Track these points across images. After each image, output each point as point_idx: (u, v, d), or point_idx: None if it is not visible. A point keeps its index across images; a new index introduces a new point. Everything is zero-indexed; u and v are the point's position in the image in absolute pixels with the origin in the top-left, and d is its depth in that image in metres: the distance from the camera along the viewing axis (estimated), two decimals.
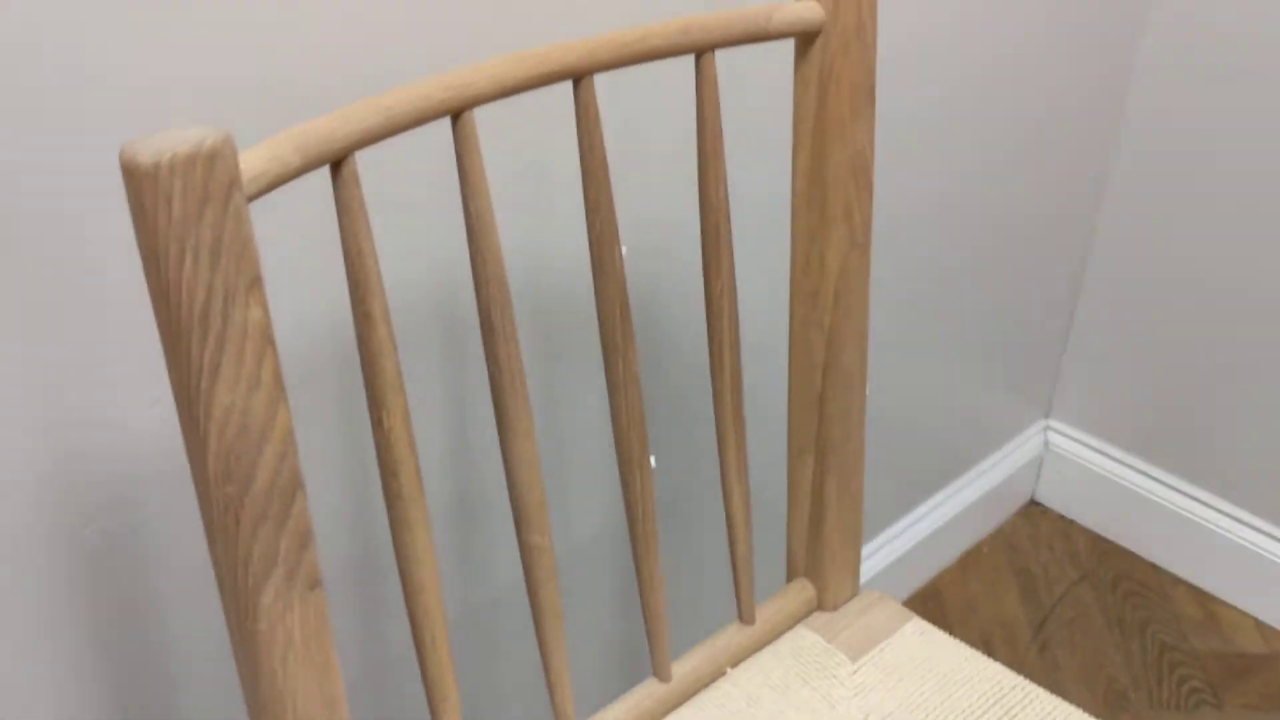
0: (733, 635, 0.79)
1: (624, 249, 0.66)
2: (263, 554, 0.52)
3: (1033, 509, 1.56)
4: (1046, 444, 1.54)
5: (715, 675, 0.78)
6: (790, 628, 0.81)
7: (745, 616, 0.79)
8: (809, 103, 0.69)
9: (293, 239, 0.70)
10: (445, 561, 0.88)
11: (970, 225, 1.26)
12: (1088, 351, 1.46)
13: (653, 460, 0.72)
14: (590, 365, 0.91)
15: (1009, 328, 1.41)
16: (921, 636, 0.81)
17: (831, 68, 0.67)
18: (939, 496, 1.44)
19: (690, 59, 0.64)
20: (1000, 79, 1.18)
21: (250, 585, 0.52)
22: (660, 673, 0.76)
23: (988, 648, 1.35)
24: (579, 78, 0.61)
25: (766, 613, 0.81)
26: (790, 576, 0.84)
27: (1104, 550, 1.50)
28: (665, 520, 1.04)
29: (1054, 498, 1.55)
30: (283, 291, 0.70)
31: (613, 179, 0.64)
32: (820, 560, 0.81)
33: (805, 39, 0.67)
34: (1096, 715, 0.82)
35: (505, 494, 0.66)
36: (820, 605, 0.83)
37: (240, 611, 0.53)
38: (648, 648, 0.75)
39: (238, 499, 0.50)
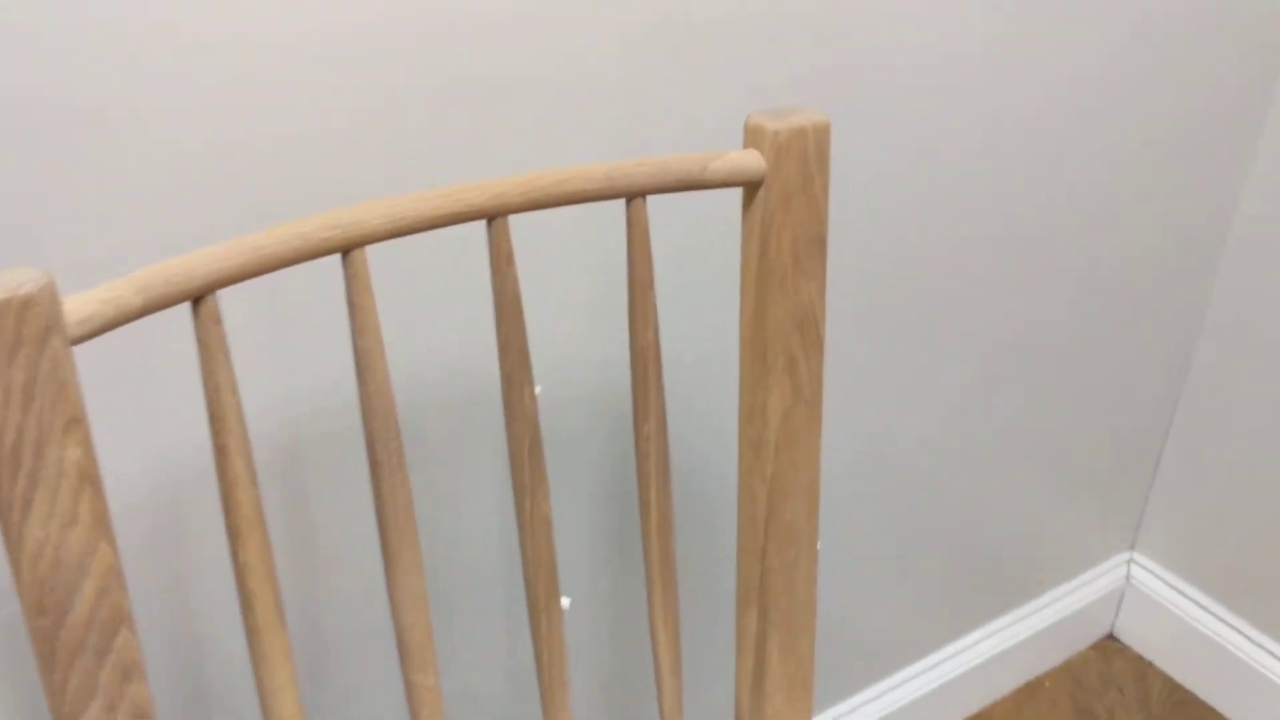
0: None
1: (538, 389, 0.64)
2: (80, 685, 0.52)
3: (1109, 644, 1.46)
4: (1129, 578, 1.43)
5: None
6: None
7: None
8: (751, 253, 0.65)
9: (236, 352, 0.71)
10: (326, 694, 0.87)
11: (1065, 342, 1.18)
12: (1177, 485, 1.36)
13: (566, 601, 0.69)
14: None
15: (1096, 452, 1.32)
16: None
17: (772, 220, 0.63)
18: (1004, 620, 1.36)
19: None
20: (1103, 202, 1.11)
21: (68, 712, 0.52)
22: None
23: None
24: (491, 219, 0.59)
25: None
26: None
27: (1179, 699, 1.38)
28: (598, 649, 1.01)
29: (1133, 635, 1.45)
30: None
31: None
32: (763, 715, 0.77)
33: (749, 190, 0.64)
34: None
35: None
36: None
37: None
38: None
39: (52, 630, 0.50)
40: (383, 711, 0.89)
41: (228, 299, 0.69)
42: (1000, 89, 0.97)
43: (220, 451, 0.55)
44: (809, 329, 0.67)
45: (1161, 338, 1.28)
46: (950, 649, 1.32)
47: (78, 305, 0.48)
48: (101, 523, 0.50)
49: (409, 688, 0.64)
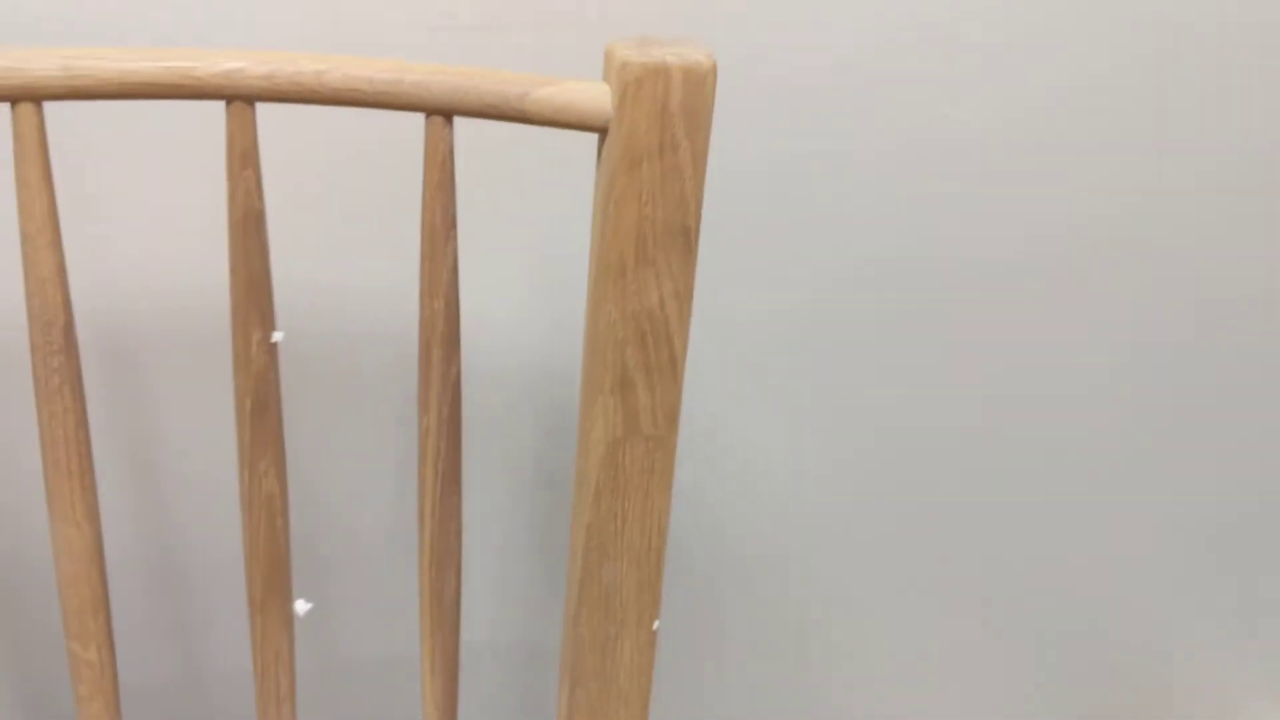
0: None
1: (277, 335, 0.50)
2: None
3: None
4: None
5: None
6: None
7: None
8: (594, 225, 0.48)
9: None
10: None
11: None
12: None
13: (301, 606, 0.55)
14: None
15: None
16: None
17: (613, 185, 0.46)
18: None
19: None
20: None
21: None
22: None
23: None
24: (229, 100, 0.45)
25: None
26: None
27: None
28: None
29: None
30: None
31: None
32: None
33: (601, 136, 0.47)
34: None
35: None
36: None
37: None
38: None
39: None
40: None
41: None
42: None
43: None
44: (657, 344, 0.49)
45: None
46: None
47: None
48: None
49: (69, 658, 0.52)
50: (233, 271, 0.48)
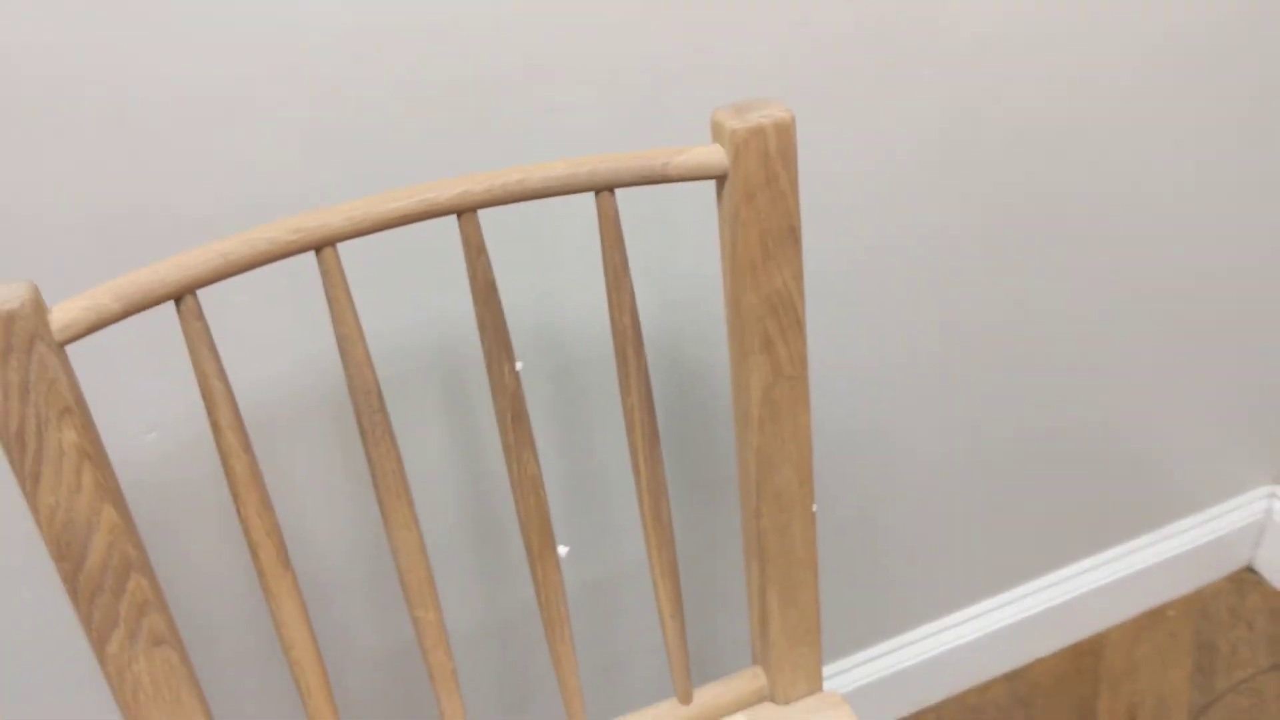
0: (667, 710, 0.82)
1: (519, 365, 0.69)
2: (102, 617, 0.62)
3: (1246, 576, 1.41)
4: (1269, 511, 1.37)
5: None
6: (731, 714, 0.83)
7: (681, 697, 0.82)
8: (725, 241, 0.67)
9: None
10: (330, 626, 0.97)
11: (1187, 248, 1.13)
12: None
13: (564, 550, 0.75)
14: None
15: (1239, 379, 1.26)
16: None
17: (738, 214, 0.65)
18: (1130, 545, 1.34)
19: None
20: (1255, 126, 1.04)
21: (96, 639, 0.63)
22: None
23: (1131, 718, 1.26)
24: (460, 213, 0.64)
25: (709, 694, 0.83)
26: (754, 660, 0.85)
27: None
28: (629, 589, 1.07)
29: (1272, 570, 1.39)
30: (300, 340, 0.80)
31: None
32: (769, 657, 0.82)
33: (719, 182, 0.66)
34: None
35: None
36: (772, 697, 0.83)
37: (98, 659, 0.64)
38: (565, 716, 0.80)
39: (73, 574, 0.61)
40: (392, 641, 0.99)
41: (226, 284, 0.77)
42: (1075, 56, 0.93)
43: (215, 427, 0.63)
44: (785, 313, 0.69)
45: None
46: (1071, 569, 1.31)
47: (61, 313, 0.57)
48: (103, 489, 0.59)
49: (414, 622, 0.73)
50: (480, 325, 0.67)
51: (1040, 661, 1.34)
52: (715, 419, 0.98)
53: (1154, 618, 1.37)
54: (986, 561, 1.25)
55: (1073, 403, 1.17)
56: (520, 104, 0.78)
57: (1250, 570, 1.42)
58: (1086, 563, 1.32)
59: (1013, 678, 1.32)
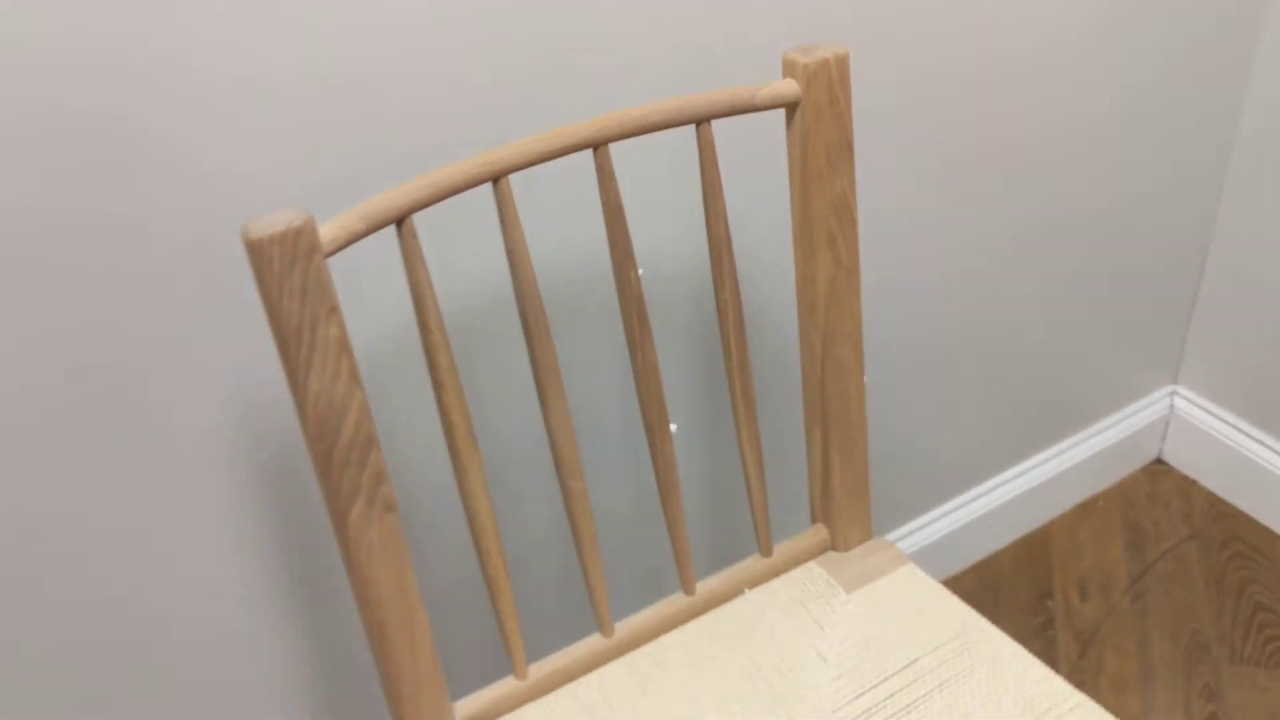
0: (752, 564, 1.00)
1: (640, 271, 0.86)
2: (349, 488, 0.77)
3: (1157, 467, 1.66)
4: (1172, 408, 1.62)
5: (734, 594, 0.99)
6: (803, 563, 1.01)
7: (764, 550, 1.00)
8: (795, 158, 0.86)
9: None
10: (505, 503, 1.13)
11: (1099, 181, 1.36)
12: (1214, 318, 1.53)
13: (674, 426, 0.93)
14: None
15: (1136, 290, 1.50)
16: (911, 579, 0.99)
17: (808, 133, 0.84)
18: (1061, 445, 1.57)
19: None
20: (1135, 25, 1.28)
21: (341, 509, 0.78)
22: (686, 588, 0.97)
23: (1082, 591, 1.49)
24: (596, 147, 0.81)
25: (784, 549, 1.00)
26: (813, 520, 1.03)
27: (1221, 512, 1.58)
28: (707, 468, 1.25)
29: (1179, 458, 1.64)
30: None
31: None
32: (830, 511, 1.00)
33: (790, 110, 0.85)
34: (1173, 664, 0.96)
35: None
36: (833, 546, 1.02)
37: (338, 526, 0.79)
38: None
39: (328, 451, 0.75)
40: (545, 510, 1.16)
41: (425, 218, 0.93)
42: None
43: (423, 327, 0.79)
44: (844, 213, 0.88)
45: (1193, 168, 1.45)
46: (1013, 471, 1.53)
47: (326, 230, 0.72)
48: (354, 377, 0.75)
49: (564, 490, 0.89)
50: (611, 241, 0.84)
51: (999, 553, 1.55)
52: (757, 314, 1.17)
53: (1087, 508, 1.60)
54: (939, 467, 1.47)
55: (994, 326, 1.40)
56: (603, 64, 0.96)
57: (1159, 461, 1.66)
58: (1027, 463, 1.55)
59: (979, 568, 1.53)
